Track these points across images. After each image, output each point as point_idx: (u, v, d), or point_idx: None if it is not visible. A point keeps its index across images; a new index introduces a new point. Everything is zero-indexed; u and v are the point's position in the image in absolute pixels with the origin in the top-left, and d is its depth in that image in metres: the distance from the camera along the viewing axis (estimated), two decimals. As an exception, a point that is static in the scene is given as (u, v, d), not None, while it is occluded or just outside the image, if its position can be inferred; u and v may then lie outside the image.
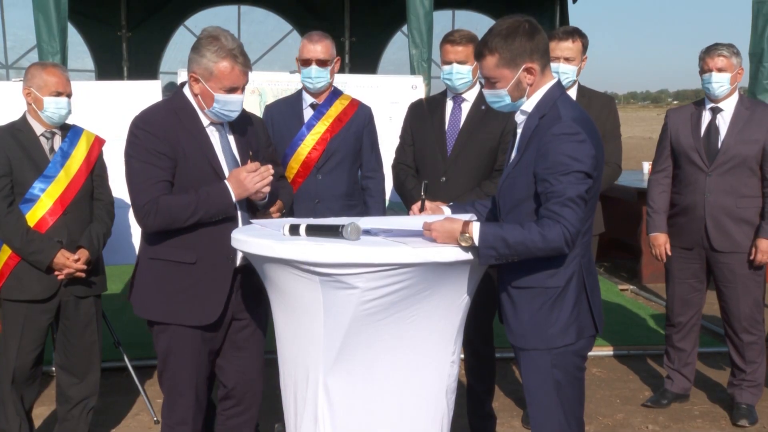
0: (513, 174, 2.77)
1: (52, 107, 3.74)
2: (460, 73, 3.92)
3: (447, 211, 3.07)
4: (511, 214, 2.77)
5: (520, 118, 2.82)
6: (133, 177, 3.02)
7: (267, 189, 3.04)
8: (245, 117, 3.26)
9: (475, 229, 2.58)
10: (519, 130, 2.83)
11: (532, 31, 2.71)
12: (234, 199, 2.98)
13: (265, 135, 3.41)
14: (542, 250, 2.58)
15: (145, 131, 3.01)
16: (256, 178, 2.98)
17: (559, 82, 2.83)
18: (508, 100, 2.77)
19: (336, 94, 4.15)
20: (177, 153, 3.02)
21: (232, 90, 2.99)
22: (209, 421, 3.38)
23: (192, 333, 3.10)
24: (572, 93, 4.23)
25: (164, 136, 3.00)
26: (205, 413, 3.28)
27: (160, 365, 3.20)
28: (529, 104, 2.78)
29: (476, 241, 2.57)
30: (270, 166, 3.05)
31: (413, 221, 2.79)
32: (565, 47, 4.17)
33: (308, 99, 4.12)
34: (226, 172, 3.09)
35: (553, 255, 2.62)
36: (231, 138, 3.17)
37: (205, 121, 3.11)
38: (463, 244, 2.58)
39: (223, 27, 3.07)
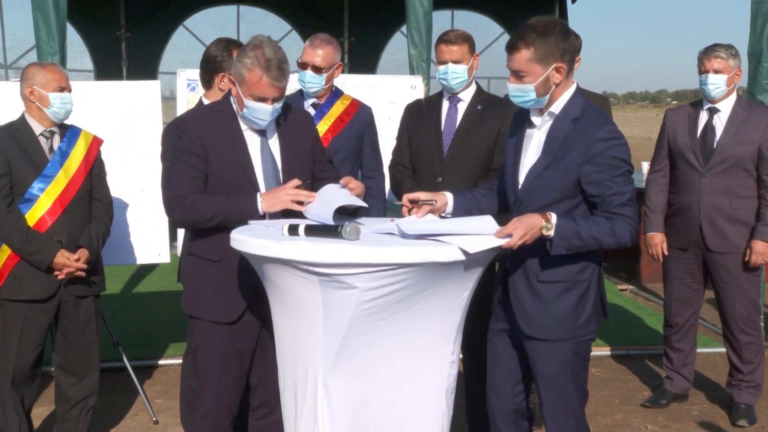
0: (546, 174, 2.86)
1: (58, 102, 3.75)
2: (456, 73, 3.92)
3: (449, 196, 3.10)
4: (539, 211, 2.81)
5: (541, 119, 2.93)
6: (170, 174, 3.11)
7: (298, 206, 2.96)
8: (294, 119, 3.23)
9: (553, 219, 2.71)
10: (539, 131, 2.93)
11: (566, 32, 2.84)
12: (260, 209, 2.95)
13: (314, 133, 3.32)
14: (610, 244, 2.79)
15: (180, 131, 3.09)
16: (290, 194, 2.94)
17: (578, 88, 2.94)
18: (532, 95, 2.84)
19: (337, 94, 4.15)
20: (209, 154, 3.05)
21: (261, 99, 2.99)
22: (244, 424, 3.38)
23: (216, 329, 3.12)
24: None
25: (197, 136, 3.05)
26: (236, 414, 3.25)
27: (194, 358, 3.30)
28: (556, 106, 2.89)
29: (552, 232, 2.70)
30: (309, 193, 2.97)
31: (462, 224, 2.80)
32: None
33: (309, 99, 4.11)
34: (260, 177, 3.09)
35: (616, 248, 2.86)
36: (275, 142, 3.15)
37: (244, 125, 3.12)
38: (546, 233, 2.71)
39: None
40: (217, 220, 3.00)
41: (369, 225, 2.92)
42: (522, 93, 2.85)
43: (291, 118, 3.21)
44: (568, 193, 2.85)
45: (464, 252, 2.56)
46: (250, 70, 2.96)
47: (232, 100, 3.13)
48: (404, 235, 2.67)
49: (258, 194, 2.97)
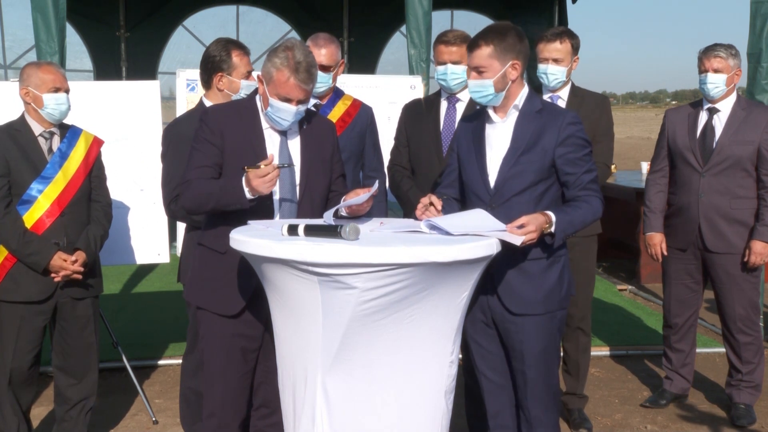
0: (524, 160, 3.07)
1: (53, 103, 3.74)
2: (455, 74, 3.92)
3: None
4: (519, 197, 3.07)
5: (505, 114, 3.14)
6: (188, 162, 3.14)
7: (269, 189, 2.96)
8: (317, 124, 3.26)
9: (554, 219, 2.96)
10: (503, 125, 3.14)
11: (521, 35, 3.09)
12: (247, 195, 2.94)
13: (335, 141, 3.34)
14: (592, 221, 3.12)
15: (202, 122, 3.13)
16: (265, 180, 2.91)
17: (532, 90, 3.21)
18: (491, 90, 3.06)
19: (338, 94, 4.13)
20: (225, 146, 3.07)
21: (286, 99, 3.01)
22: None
23: (221, 321, 3.12)
24: (565, 93, 4.22)
25: (217, 128, 3.08)
26: (244, 415, 3.25)
27: (200, 353, 3.31)
28: (519, 101, 3.12)
29: (554, 229, 2.95)
30: (271, 167, 2.92)
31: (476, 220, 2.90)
32: (553, 48, 4.14)
33: (311, 99, 4.10)
34: None
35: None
36: (295, 144, 3.16)
37: (266, 123, 3.14)
38: (546, 231, 2.94)
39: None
40: (212, 203, 3.02)
41: (391, 224, 2.98)
42: (481, 88, 3.07)
43: (314, 124, 3.24)
44: (544, 175, 3.08)
45: (512, 244, 2.80)
46: (279, 70, 2.99)
47: (257, 98, 3.16)
48: (448, 233, 2.75)
49: (243, 179, 2.93)
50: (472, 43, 3.08)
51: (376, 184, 3.02)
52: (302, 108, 3.07)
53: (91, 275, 3.89)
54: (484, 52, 3.03)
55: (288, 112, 3.04)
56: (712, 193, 4.37)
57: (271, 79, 3.01)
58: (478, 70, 3.06)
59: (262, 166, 2.90)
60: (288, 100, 3.02)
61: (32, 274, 3.72)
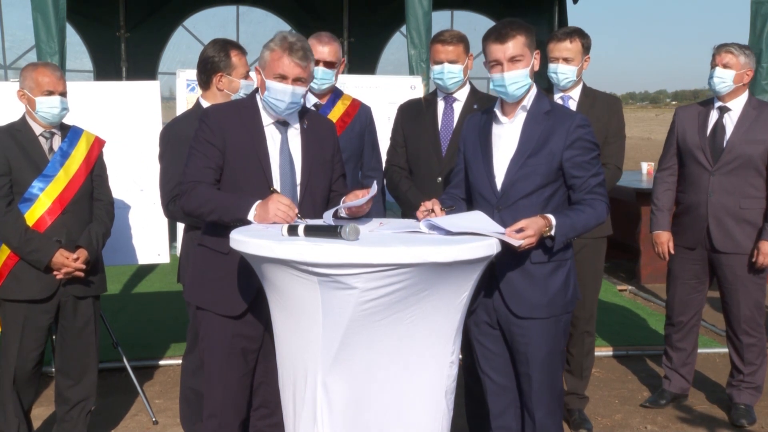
0: (531, 162, 3.04)
1: (45, 107, 3.74)
2: (452, 73, 3.92)
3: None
4: (526, 200, 3.05)
5: (513, 115, 3.11)
6: (186, 162, 3.13)
7: (276, 217, 2.91)
8: (318, 124, 3.25)
9: (554, 222, 2.93)
10: (511, 125, 3.12)
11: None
12: (253, 219, 2.92)
13: (335, 142, 3.32)
14: (594, 226, 3.07)
15: (203, 122, 3.12)
16: (281, 206, 2.89)
17: (541, 89, 3.18)
18: (528, 80, 3.04)
19: (337, 94, 4.13)
20: (227, 146, 3.06)
21: (282, 78, 2.99)
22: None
23: (223, 322, 3.12)
24: (576, 93, 4.22)
25: (218, 128, 3.08)
26: (244, 416, 3.25)
27: (201, 354, 3.30)
28: (527, 101, 3.11)
29: (554, 233, 2.93)
30: (295, 210, 2.92)
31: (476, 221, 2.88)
32: (564, 48, 4.14)
33: (311, 99, 4.10)
34: (276, 174, 3.09)
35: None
36: (296, 144, 3.15)
37: (266, 120, 3.12)
38: (545, 234, 2.93)
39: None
40: (215, 216, 3.01)
41: (390, 225, 2.98)
42: (520, 78, 3.02)
43: (315, 124, 3.23)
44: (552, 177, 3.05)
45: (512, 245, 2.80)
46: (273, 51, 3.00)
47: (257, 96, 3.15)
48: (448, 232, 2.74)
49: (255, 204, 2.93)
50: (503, 36, 3.01)
51: (375, 185, 3.00)
52: (299, 90, 3.02)
53: (93, 273, 3.90)
54: (520, 41, 3.00)
55: (284, 92, 2.99)
56: (722, 192, 4.35)
57: (266, 62, 3.01)
58: (514, 60, 3.00)
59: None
60: (283, 78, 2.98)
61: (35, 273, 3.73)
